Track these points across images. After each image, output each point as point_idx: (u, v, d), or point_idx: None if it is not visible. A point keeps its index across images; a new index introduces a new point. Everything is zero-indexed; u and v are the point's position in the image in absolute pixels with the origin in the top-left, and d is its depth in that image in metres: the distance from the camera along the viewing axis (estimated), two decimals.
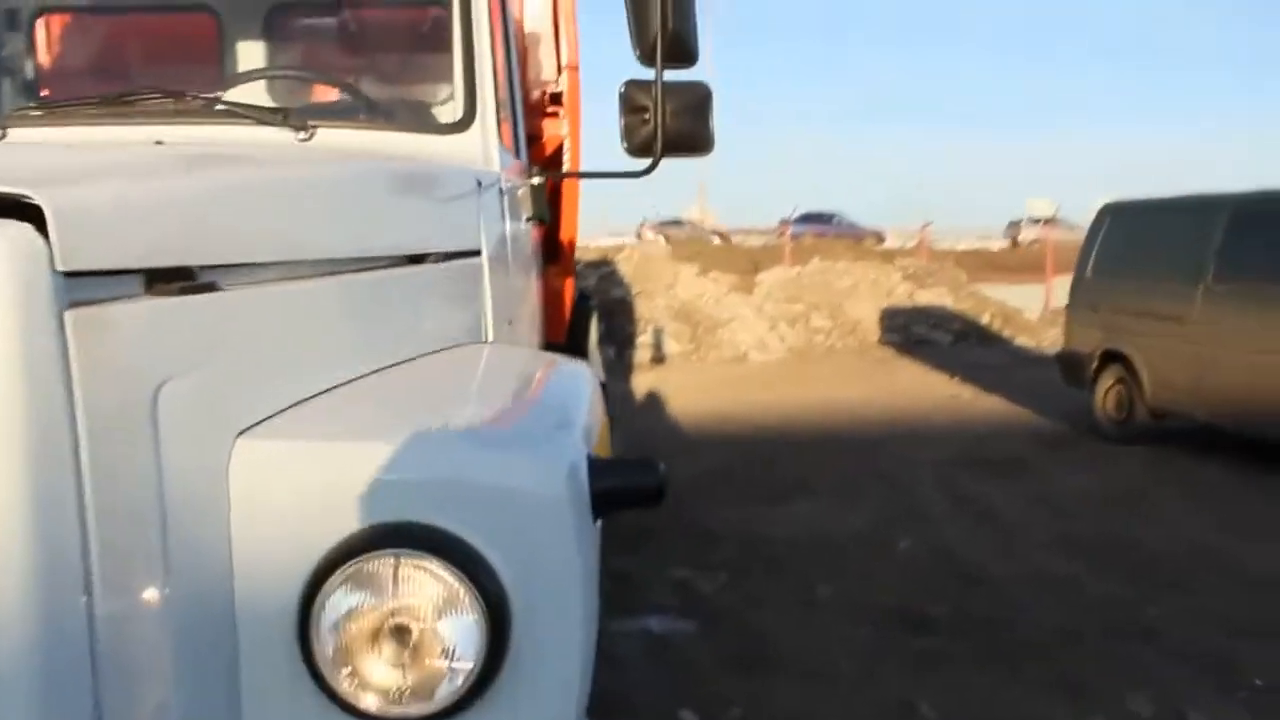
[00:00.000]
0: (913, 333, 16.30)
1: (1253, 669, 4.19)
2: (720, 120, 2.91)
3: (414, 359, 2.06)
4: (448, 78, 2.96)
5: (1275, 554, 5.70)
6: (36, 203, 1.21)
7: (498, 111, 2.98)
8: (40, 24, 3.66)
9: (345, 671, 1.43)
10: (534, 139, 4.31)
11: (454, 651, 1.42)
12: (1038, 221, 33.59)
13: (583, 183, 5.09)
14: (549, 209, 3.70)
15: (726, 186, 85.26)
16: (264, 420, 1.52)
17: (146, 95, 2.65)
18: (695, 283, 16.78)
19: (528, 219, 3.38)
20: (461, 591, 1.41)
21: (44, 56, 3.77)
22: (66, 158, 1.74)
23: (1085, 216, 11.14)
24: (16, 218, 1.18)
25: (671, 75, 2.70)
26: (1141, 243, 8.88)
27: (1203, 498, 7.00)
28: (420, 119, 3.04)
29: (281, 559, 1.44)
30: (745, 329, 15.70)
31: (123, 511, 1.29)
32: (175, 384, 1.36)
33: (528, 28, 4.59)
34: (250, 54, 3.70)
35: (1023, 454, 8.33)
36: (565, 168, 4.63)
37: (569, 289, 4.97)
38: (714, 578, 5.33)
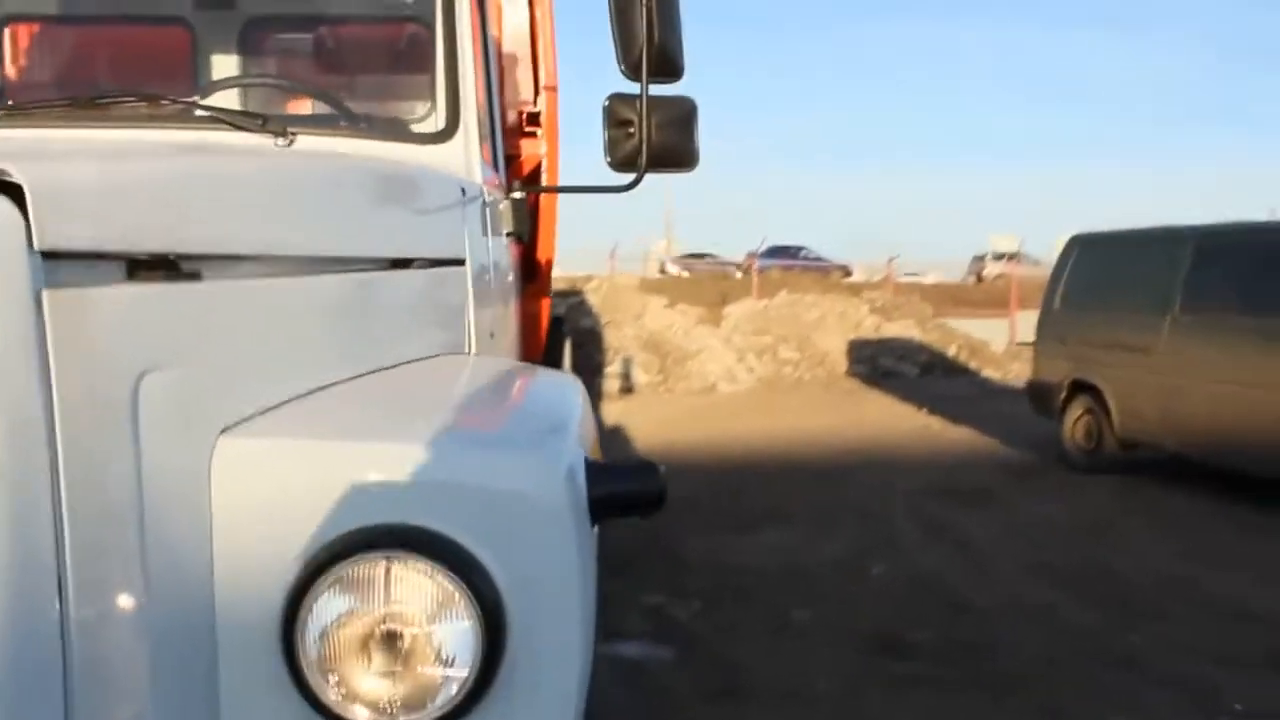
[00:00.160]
0: (880, 364, 16.37)
1: (1231, 695, 4.18)
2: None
3: (399, 365, 2.00)
4: (429, 89, 2.92)
5: (1245, 583, 5.72)
6: (15, 181, 1.14)
7: (478, 126, 2.94)
8: (7, 33, 3.58)
9: (332, 680, 1.35)
10: (512, 159, 4.27)
11: (448, 658, 1.35)
12: (1001, 257, 33.95)
13: (559, 207, 5.06)
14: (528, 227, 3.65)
15: (690, 219, 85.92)
16: (248, 419, 1.45)
17: (121, 98, 2.57)
18: (664, 314, 16.79)
19: (508, 234, 3.33)
20: (456, 596, 1.35)
21: (10, 68, 3.69)
22: (47, 143, 1.67)
23: (1048, 252, 11.26)
24: None
25: (655, 90, 2.68)
26: (1109, 274, 8.98)
27: (1172, 527, 7.02)
28: (401, 129, 2.99)
29: (266, 562, 1.37)
30: (714, 360, 15.70)
31: (99, 508, 1.22)
32: (156, 376, 1.30)
33: (506, 48, 4.57)
34: (224, 68, 3.64)
35: (993, 484, 8.34)
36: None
37: (545, 310, 4.92)
38: (688, 604, 5.26)
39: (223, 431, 1.40)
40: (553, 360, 4.97)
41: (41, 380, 1.14)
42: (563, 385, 2.31)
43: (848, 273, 33.15)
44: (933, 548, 6.50)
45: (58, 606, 1.18)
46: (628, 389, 14.54)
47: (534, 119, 4.61)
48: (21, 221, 1.12)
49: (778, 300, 17.90)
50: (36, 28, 3.72)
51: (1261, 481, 7.40)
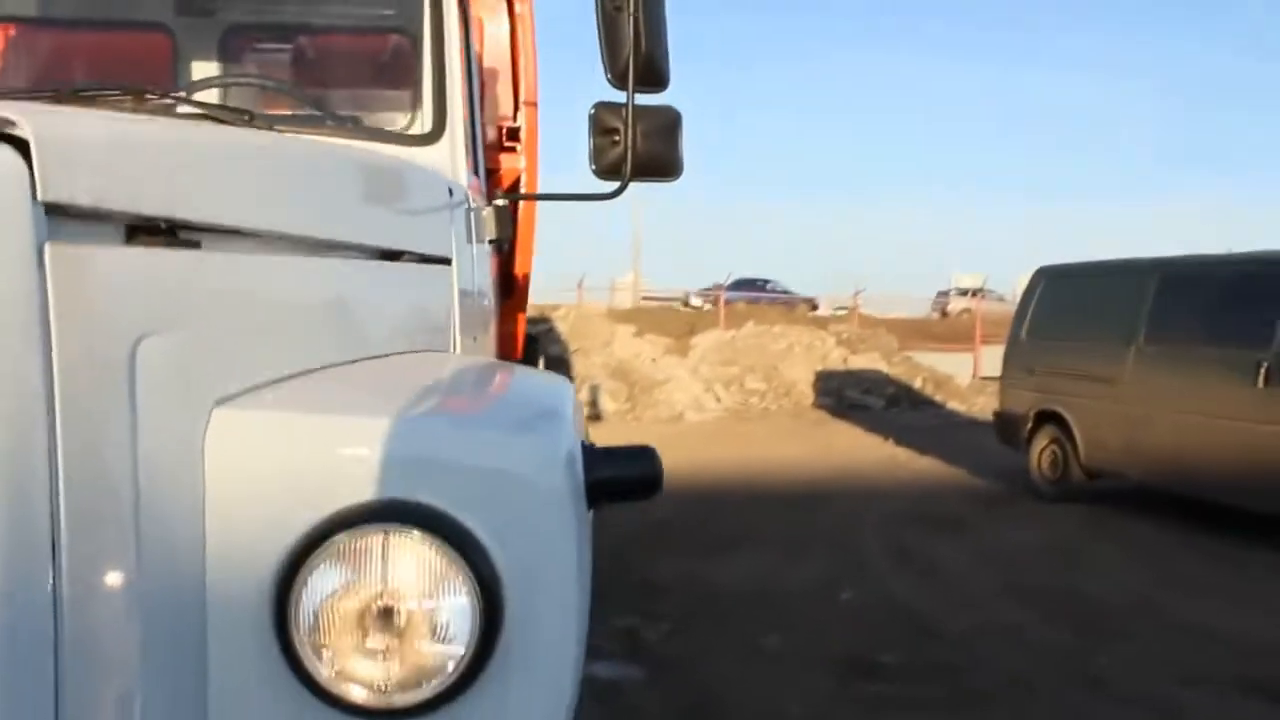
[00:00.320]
0: (847, 396, 16.47)
1: (1197, 716, 4.21)
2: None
3: (388, 355, 1.98)
4: (413, 95, 2.91)
5: (1209, 608, 5.77)
6: (21, 134, 1.13)
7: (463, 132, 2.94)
8: None
9: (326, 656, 1.31)
10: (491, 173, 4.27)
11: (445, 634, 1.33)
12: (965, 293, 34.32)
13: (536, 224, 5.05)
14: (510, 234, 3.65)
15: (657, 253, 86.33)
16: (244, 392, 1.42)
17: (105, 91, 2.54)
18: (632, 343, 16.82)
19: (490, 241, 3.32)
20: (455, 570, 1.32)
21: None
22: (49, 105, 1.65)
23: (1012, 289, 11.41)
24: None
25: (641, 99, 2.68)
26: (1075, 305, 9.09)
27: (1140, 554, 7.08)
28: (388, 130, 2.98)
29: (260, 535, 1.33)
30: (681, 389, 15.72)
31: (95, 474, 1.19)
32: (154, 340, 1.27)
33: (486, 64, 4.58)
34: (205, 73, 3.62)
35: (962, 512, 8.38)
36: (521, 206, 4.59)
37: (521, 325, 4.91)
38: (659, 626, 5.23)
39: (218, 403, 1.38)
40: None
41: (42, 335, 1.11)
42: (555, 379, 2.30)
43: (814, 306, 33.36)
44: (902, 573, 6.51)
45: (51, 577, 1.14)
46: (595, 416, 14.51)
47: (514, 134, 4.61)
48: (26, 172, 1.11)
49: (745, 331, 18.00)
50: (15, 30, 3.68)
51: (1225, 510, 7.49)
